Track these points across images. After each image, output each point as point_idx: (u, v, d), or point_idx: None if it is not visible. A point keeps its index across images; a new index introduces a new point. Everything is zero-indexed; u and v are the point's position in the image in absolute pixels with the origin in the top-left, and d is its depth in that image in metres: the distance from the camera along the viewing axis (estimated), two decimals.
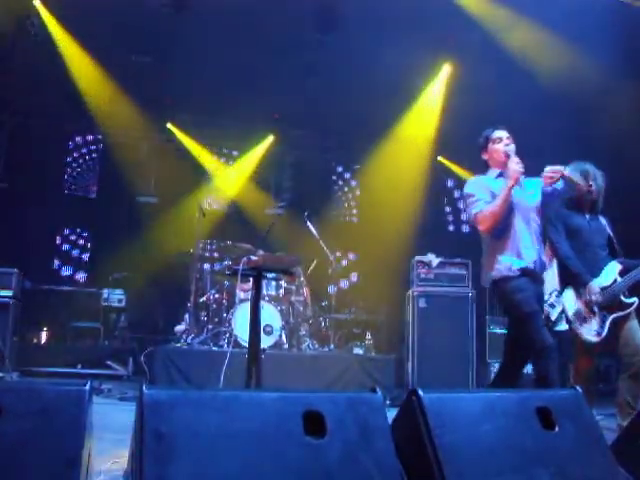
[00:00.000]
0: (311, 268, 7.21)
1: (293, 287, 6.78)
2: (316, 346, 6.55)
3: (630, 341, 3.54)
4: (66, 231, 9.36)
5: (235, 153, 10.03)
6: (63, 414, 1.60)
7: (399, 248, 8.39)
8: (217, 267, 7.44)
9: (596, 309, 3.62)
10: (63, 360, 6.98)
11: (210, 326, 6.49)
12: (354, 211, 10.40)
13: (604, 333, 3.56)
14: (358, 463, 1.68)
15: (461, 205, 10.43)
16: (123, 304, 8.20)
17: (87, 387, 1.68)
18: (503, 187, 3.25)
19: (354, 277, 10.03)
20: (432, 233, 9.22)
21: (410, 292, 6.52)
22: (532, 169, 3.38)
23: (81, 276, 9.26)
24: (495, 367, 6.76)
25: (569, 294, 3.79)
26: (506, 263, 3.28)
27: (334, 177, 10.39)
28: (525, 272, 3.24)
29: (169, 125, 9.28)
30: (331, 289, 7.32)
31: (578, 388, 2.18)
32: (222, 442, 1.58)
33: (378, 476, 1.67)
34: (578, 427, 2.01)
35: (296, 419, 1.68)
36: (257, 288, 3.78)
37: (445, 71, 7.96)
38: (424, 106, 8.53)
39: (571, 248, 3.71)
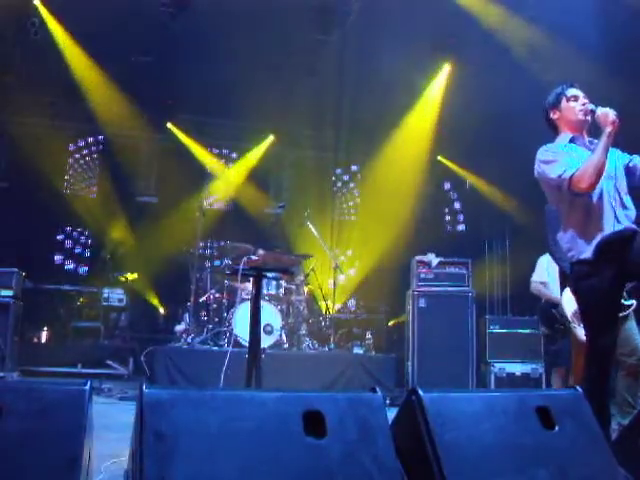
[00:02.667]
0: (311, 268, 7.21)
1: (293, 287, 6.79)
2: (316, 346, 6.55)
3: (628, 341, 3.56)
4: (66, 231, 9.37)
5: (235, 153, 10.03)
6: (63, 414, 1.60)
7: (399, 248, 8.40)
8: (217, 266, 7.44)
9: None
10: (63, 360, 6.98)
11: (210, 326, 6.49)
12: (353, 211, 10.41)
13: None
14: (358, 463, 1.68)
15: (457, 206, 10.46)
16: (123, 304, 8.21)
17: (87, 387, 1.68)
18: (602, 138, 2.84)
19: (352, 272, 10.01)
20: (432, 233, 9.23)
21: (410, 292, 6.52)
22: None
23: (82, 271, 9.27)
24: (495, 367, 6.77)
25: (568, 294, 3.83)
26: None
27: (334, 177, 10.40)
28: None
29: (169, 125, 9.28)
30: (331, 289, 7.32)
31: (578, 388, 2.18)
32: (222, 442, 1.58)
33: (378, 476, 1.68)
34: (578, 427, 2.01)
35: (296, 419, 1.68)
36: (257, 288, 3.78)
37: (445, 71, 7.96)
38: (424, 106, 8.53)
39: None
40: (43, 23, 7.11)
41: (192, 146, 9.47)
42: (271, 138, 9.70)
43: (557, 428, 1.96)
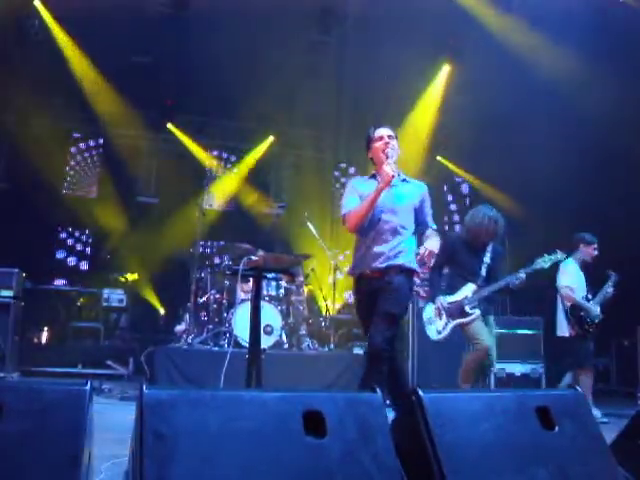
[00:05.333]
0: (311, 268, 7.21)
1: (293, 287, 6.78)
2: (316, 346, 6.55)
3: (471, 332, 4.51)
4: (66, 231, 9.37)
5: (235, 153, 10.03)
6: (63, 414, 1.60)
7: None
8: (217, 267, 7.44)
9: (443, 316, 4.65)
10: (63, 360, 6.98)
11: (210, 326, 6.49)
12: None
13: (444, 333, 4.66)
14: (358, 463, 1.68)
15: (451, 207, 10.51)
16: (123, 304, 8.21)
17: (87, 387, 1.68)
18: (374, 188, 3.34)
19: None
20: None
21: None
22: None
23: (83, 268, 9.27)
24: (495, 367, 6.76)
25: (428, 305, 4.84)
26: (353, 263, 3.53)
27: (334, 177, 10.39)
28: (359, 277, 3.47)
29: (169, 125, 9.28)
30: (331, 289, 7.31)
31: (578, 388, 2.18)
32: (222, 442, 1.58)
33: (378, 476, 1.68)
34: (578, 427, 2.01)
35: (296, 419, 1.68)
36: (257, 288, 3.78)
37: (445, 71, 7.96)
38: (423, 106, 8.54)
39: (455, 272, 4.74)
40: (43, 23, 7.11)
41: (192, 146, 9.47)
42: (271, 138, 9.70)
43: (557, 428, 1.96)
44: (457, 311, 4.61)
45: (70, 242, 9.37)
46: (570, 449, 1.94)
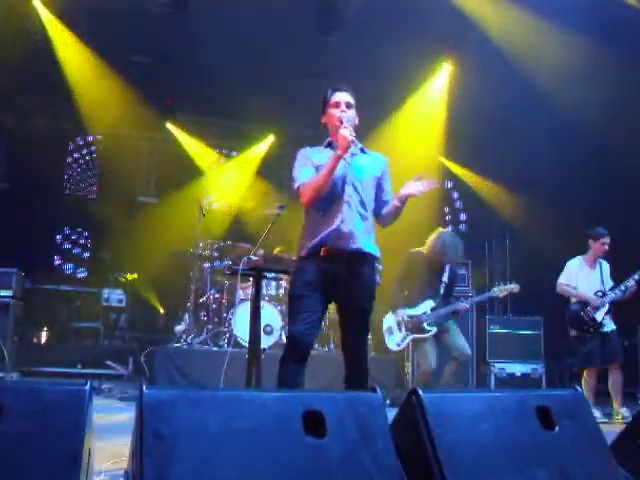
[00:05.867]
0: None
1: None
2: (316, 346, 6.55)
3: (422, 351, 4.89)
4: (66, 231, 9.37)
5: (235, 153, 10.03)
6: (63, 414, 1.60)
7: (399, 248, 8.38)
8: (217, 267, 7.44)
9: (403, 329, 4.99)
10: (63, 360, 6.98)
11: (210, 326, 6.49)
12: None
13: (402, 345, 5.06)
14: (358, 463, 1.68)
15: (457, 205, 10.49)
16: (123, 304, 8.21)
17: (87, 387, 1.68)
18: (330, 157, 2.92)
19: None
20: (431, 233, 9.22)
21: None
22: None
23: (81, 275, 9.27)
24: (495, 367, 6.78)
25: (390, 315, 5.13)
26: (305, 241, 3.03)
27: None
28: (314, 253, 2.96)
29: (169, 125, 9.28)
30: None
31: (578, 388, 2.18)
32: (222, 442, 1.58)
33: (378, 476, 1.68)
34: (578, 427, 2.01)
35: (296, 419, 1.68)
36: (257, 288, 3.78)
37: (446, 71, 7.95)
38: (424, 106, 8.52)
39: (414, 288, 5.08)
40: (43, 23, 7.10)
41: (192, 146, 9.46)
42: (271, 138, 9.69)
43: (557, 428, 1.96)
44: (415, 326, 4.91)
45: (70, 242, 9.37)
46: (570, 449, 1.94)
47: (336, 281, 2.93)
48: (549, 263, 7.78)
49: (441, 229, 5.30)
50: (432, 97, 8.37)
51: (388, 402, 5.08)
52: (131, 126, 8.96)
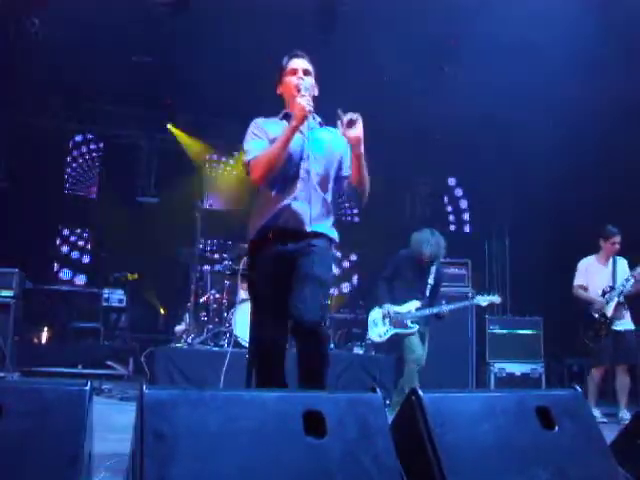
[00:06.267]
0: None
1: None
2: None
3: (406, 344, 5.07)
4: (66, 231, 9.37)
5: (235, 153, 10.02)
6: (63, 414, 1.60)
7: (400, 248, 8.38)
8: (217, 267, 7.45)
9: (387, 322, 5.10)
10: (64, 360, 6.98)
11: (210, 326, 6.49)
12: (355, 211, 10.40)
13: (383, 338, 5.16)
14: (358, 463, 1.68)
15: (462, 204, 10.47)
16: (123, 304, 8.21)
17: (87, 387, 1.68)
18: (285, 128, 2.65)
19: (355, 278, 10.05)
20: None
21: None
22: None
23: (81, 277, 9.27)
24: (495, 367, 6.78)
25: (377, 309, 5.23)
26: (258, 222, 2.77)
27: None
28: (264, 236, 2.72)
29: (169, 125, 9.27)
30: (332, 289, 7.32)
31: (578, 388, 2.18)
32: (222, 442, 1.58)
33: (378, 476, 1.68)
34: (578, 427, 2.01)
35: (296, 419, 1.68)
36: None
37: (445, 71, 7.93)
38: (424, 106, 8.51)
39: (401, 287, 5.15)
40: (43, 23, 7.09)
41: (192, 146, 9.46)
42: None
43: (557, 428, 1.96)
44: (399, 322, 5.06)
45: (70, 242, 9.37)
46: (570, 449, 1.94)
47: (291, 266, 2.62)
48: (549, 263, 7.79)
49: (426, 229, 5.28)
50: (432, 96, 8.34)
51: (388, 402, 5.09)
52: (131, 126, 8.96)
